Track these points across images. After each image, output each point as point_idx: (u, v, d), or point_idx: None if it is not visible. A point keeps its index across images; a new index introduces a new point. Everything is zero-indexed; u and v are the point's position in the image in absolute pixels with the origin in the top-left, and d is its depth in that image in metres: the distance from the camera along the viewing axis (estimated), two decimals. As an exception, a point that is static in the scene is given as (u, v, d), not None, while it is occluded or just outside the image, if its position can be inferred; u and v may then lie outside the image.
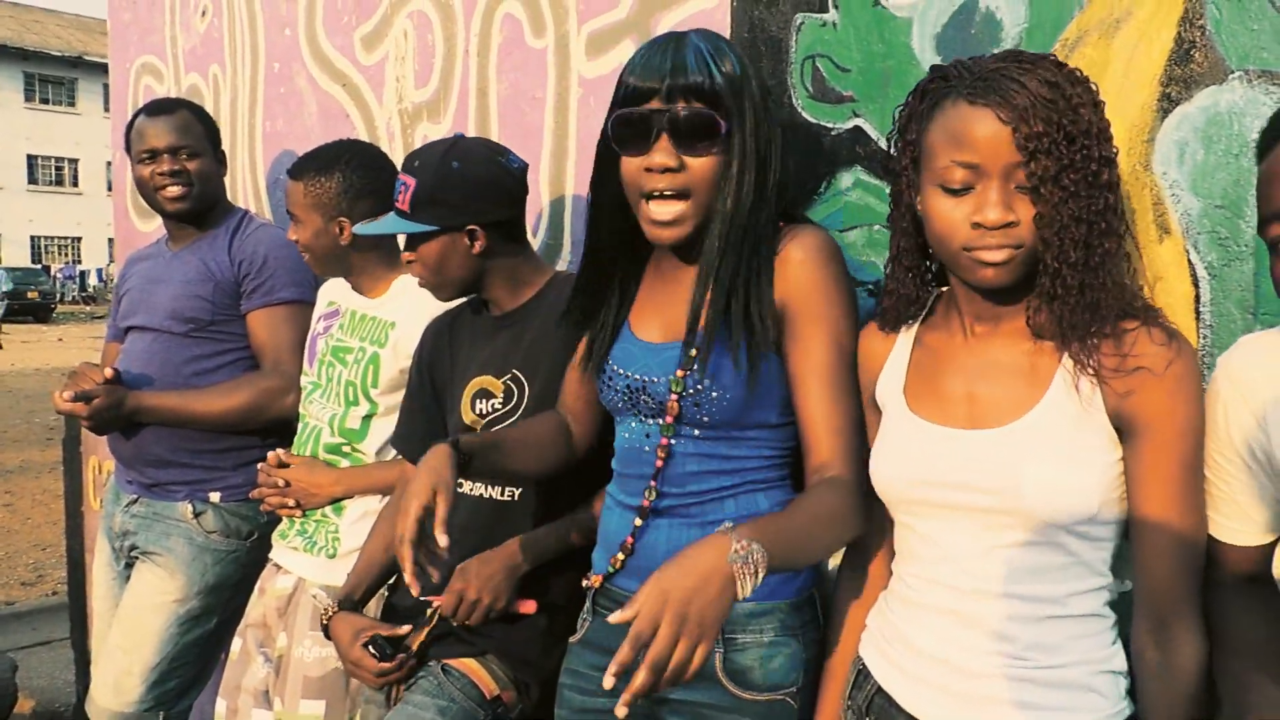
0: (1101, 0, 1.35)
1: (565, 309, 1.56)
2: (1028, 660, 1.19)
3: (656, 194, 1.37)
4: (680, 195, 1.37)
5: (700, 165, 1.36)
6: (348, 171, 2.07)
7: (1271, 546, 1.15)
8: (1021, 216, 1.13)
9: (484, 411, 1.78)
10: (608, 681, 1.03)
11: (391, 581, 1.95)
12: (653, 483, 1.44)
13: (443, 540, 1.30)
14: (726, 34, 1.77)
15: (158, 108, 2.46)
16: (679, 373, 1.40)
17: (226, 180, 2.96)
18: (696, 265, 1.43)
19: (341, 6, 2.63)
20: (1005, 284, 1.17)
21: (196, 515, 2.35)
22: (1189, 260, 1.29)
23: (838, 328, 1.38)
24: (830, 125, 1.65)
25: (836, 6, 1.64)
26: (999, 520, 1.19)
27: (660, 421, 1.44)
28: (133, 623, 2.31)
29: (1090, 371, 1.15)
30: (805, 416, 1.37)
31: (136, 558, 2.39)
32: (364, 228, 1.90)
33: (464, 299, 1.91)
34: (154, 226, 3.15)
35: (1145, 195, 1.32)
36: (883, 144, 1.59)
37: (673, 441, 1.43)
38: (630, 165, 1.38)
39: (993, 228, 1.13)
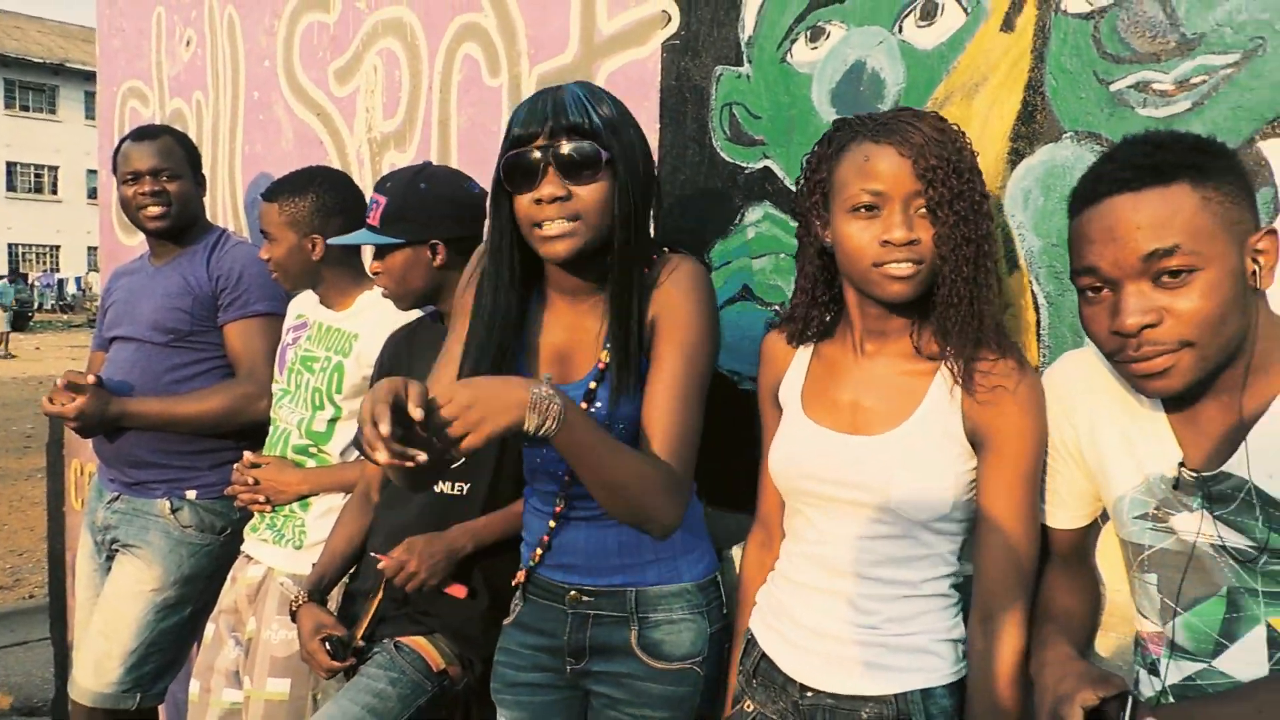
0: (963, 67, 1.58)
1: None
2: (883, 630, 1.40)
3: (549, 220, 1.47)
4: (571, 219, 1.47)
5: (587, 192, 1.47)
6: (320, 192, 2.28)
7: (1084, 531, 1.37)
8: (922, 236, 1.33)
9: (437, 416, 1.98)
10: (384, 428, 1.11)
11: (352, 570, 2.15)
12: (560, 496, 1.64)
13: (418, 414, 1.19)
14: (657, 81, 2.00)
15: (143, 133, 2.65)
16: (583, 405, 1.53)
17: (207, 200, 3.15)
18: (590, 300, 1.58)
19: (317, 42, 2.84)
20: (909, 298, 1.36)
21: (174, 511, 2.53)
22: (1032, 290, 1.52)
23: (692, 350, 1.50)
24: (744, 165, 1.87)
25: (750, 61, 1.86)
26: (869, 514, 1.40)
27: None
28: (113, 610, 2.49)
29: (959, 383, 1.36)
30: (645, 421, 1.47)
31: (117, 550, 2.56)
32: (338, 239, 2.11)
33: (421, 314, 2.13)
34: (137, 241, 3.34)
35: (998, 234, 1.54)
36: (788, 182, 1.81)
37: None
38: (522, 202, 1.49)
39: (899, 244, 1.33)
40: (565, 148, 1.47)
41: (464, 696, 2.01)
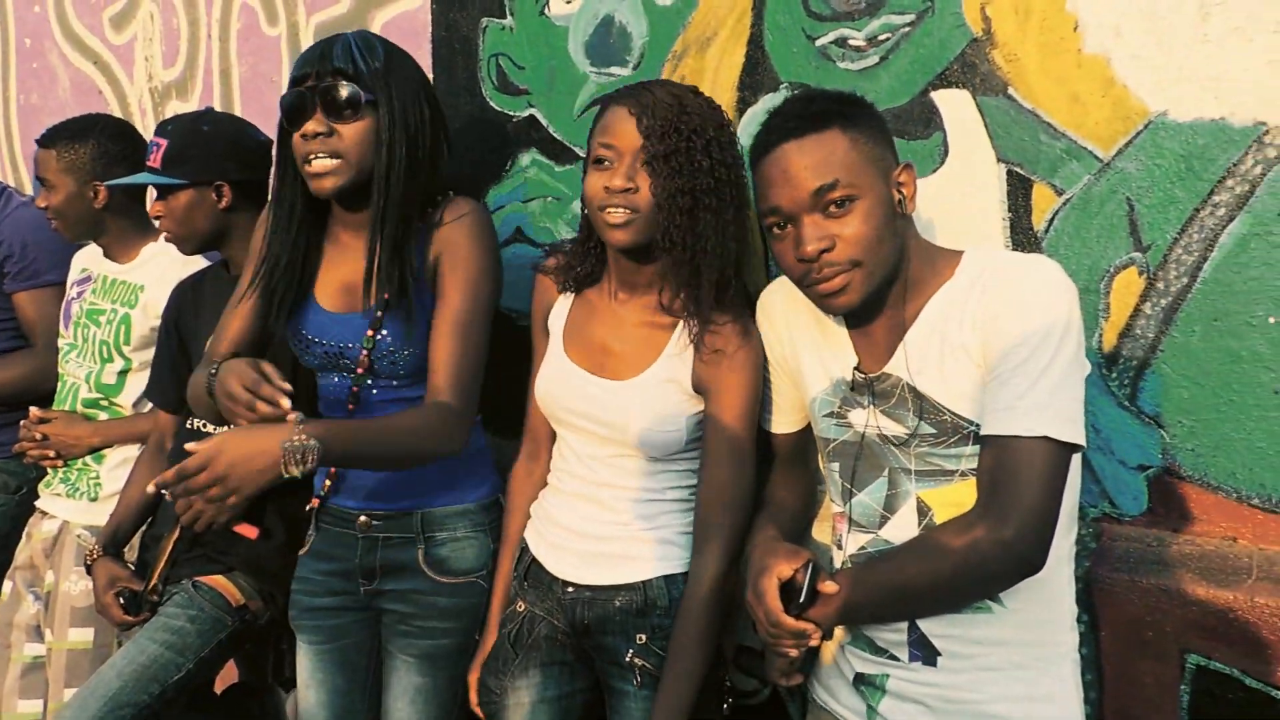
0: (696, 22, 1.74)
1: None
2: (631, 526, 1.58)
3: (314, 156, 1.59)
4: (333, 156, 1.59)
5: (349, 131, 1.60)
6: (102, 139, 2.26)
7: (797, 435, 1.57)
8: (640, 185, 1.48)
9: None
10: (150, 488, 1.43)
11: (150, 520, 2.18)
12: None
13: (286, 386, 1.49)
14: (428, 32, 2.08)
15: None
16: (369, 332, 1.66)
17: (-19, 152, 3.02)
18: (365, 233, 1.69)
19: (89, -13, 2.77)
20: (629, 244, 1.52)
21: None
22: (759, 227, 1.70)
23: (473, 285, 1.63)
24: (511, 114, 1.99)
25: (513, 14, 1.96)
26: (616, 444, 1.58)
27: (355, 374, 1.71)
28: None
29: (691, 344, 1.52)
30: (431, 352, 1.62)
31: (-93, 518, 2.50)
32: (117, 181, 2.10)
33: (207, 263, 2.16)
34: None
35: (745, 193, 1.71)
36: (553, 130, 1.94)
37: (373, 391, 1.72)
38: (295, 139, 1.61)
39: (616, 191, 1.48)
40: (328, 88, 1.59)
41: (272, 629, 2.10)
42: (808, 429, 1.56)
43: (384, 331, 1.67)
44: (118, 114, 2.70)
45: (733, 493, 1.52)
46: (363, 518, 1.78)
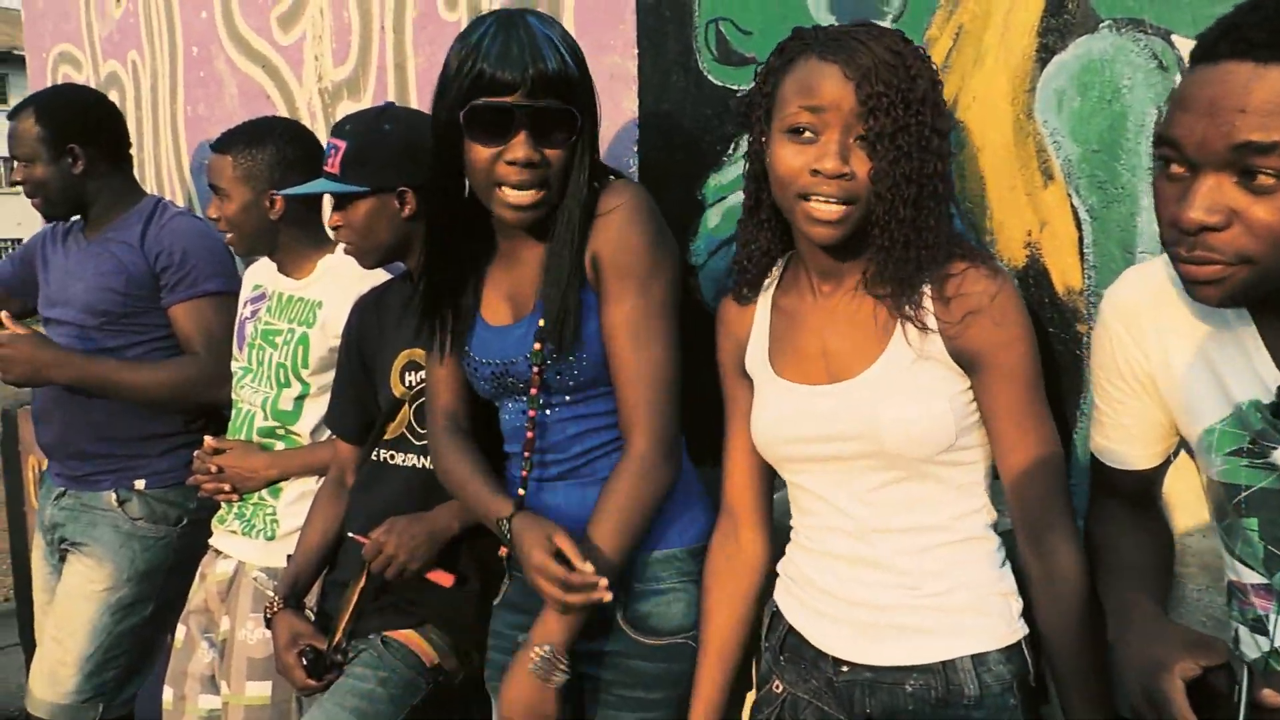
0: (981, -45, 1.39)
1: (415, 296, 1.59)
2: (920, 589, 1.25)
3: (517, 185, 1.38)
4: (540, 186, 1.39)
5: (556, 157, 1.39)
6: (281, 144, 2.06)
7: (1155, 471, 1.21)
8: (857, 170, 1.19)
9: (413, 384, 1.80)
10: None
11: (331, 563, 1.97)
12: (526, 454, 1.48)
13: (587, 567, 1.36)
14: (632, 1, 1.80)
15: (11, 112, 2.40)
16: (536, 346, 1.44)
17: (150, 166, 2.94)
18: (538, 242, 1.47)
19: (256, -13, 2.62)
20: (836, 241, 1.23)
21: (121, 503, 2.33)
22: (1071, 204, 1.34)
23: (646, 281, 1.41)
24: (735, 87, 1.69)
25: (736, -30, 1.66)
26: (867, 464, 1.26)
27: (529, 396, 1.47)
28: (65, 613, 2.30)
29: (919, 324, 1.22)
30: (613, 369, 1.43)
31: (67, 550, 2.37)
32: (292, 190, 1.91)
33: (389, 275, 1.94)
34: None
35: (1029, 143, 1.37)
36: (786, 104, 1.62)
37: (546, 412, 1.48)
38: (483, 154, 1.38)
39: (830, 176, 1.18)
40: (543, 107, 1.36)
41: (462, 690, 1.85)
42: (1166, 463, 1.20)
43: (548, 341, 1.44)
44: (286, 119, 2.53)
45: (1053, 464, 1.24)
46: None
